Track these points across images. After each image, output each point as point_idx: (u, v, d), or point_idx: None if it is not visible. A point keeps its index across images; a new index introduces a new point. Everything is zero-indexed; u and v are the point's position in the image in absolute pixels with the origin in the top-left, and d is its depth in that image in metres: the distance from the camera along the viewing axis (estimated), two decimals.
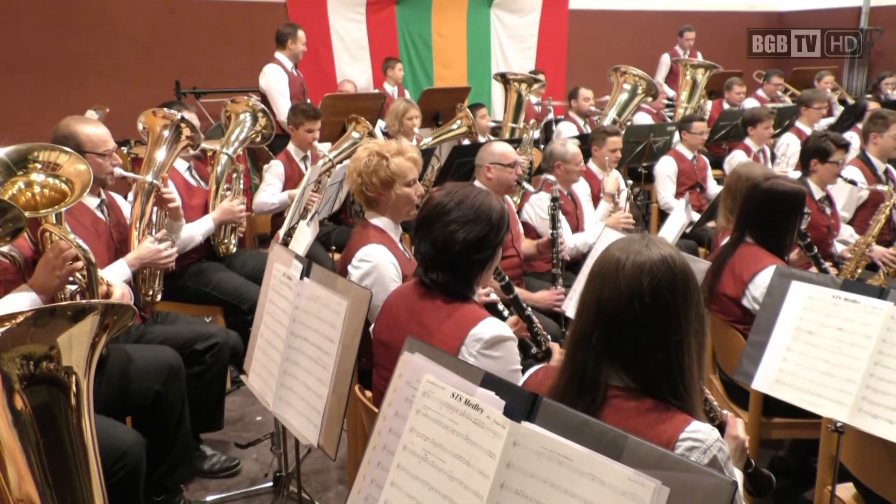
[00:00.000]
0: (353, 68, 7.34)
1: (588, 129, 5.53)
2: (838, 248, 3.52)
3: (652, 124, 5.64)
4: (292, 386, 1.79)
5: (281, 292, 1.91)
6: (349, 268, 2.24)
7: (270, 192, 3.80)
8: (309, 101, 4.96)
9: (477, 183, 2.99)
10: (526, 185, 3.19)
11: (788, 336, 1.94)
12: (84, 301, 1.98)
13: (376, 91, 6.60)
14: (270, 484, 2.52)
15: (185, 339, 2.51)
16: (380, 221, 2.32)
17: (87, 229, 2.38)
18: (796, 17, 9.75)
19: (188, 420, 2.38)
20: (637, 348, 1.22)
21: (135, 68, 6.39)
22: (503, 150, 2.98)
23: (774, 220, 2.42)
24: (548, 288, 2.96)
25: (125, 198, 2.70)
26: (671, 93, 7.29)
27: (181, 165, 3.14)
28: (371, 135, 4.12)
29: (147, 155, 2.68)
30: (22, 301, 1.92)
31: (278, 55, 5.21)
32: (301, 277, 1.83)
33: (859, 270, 3.33)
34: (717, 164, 5.33)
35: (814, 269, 2.83)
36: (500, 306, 2.29)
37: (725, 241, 2.60)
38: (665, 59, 7.89)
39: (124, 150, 4.68)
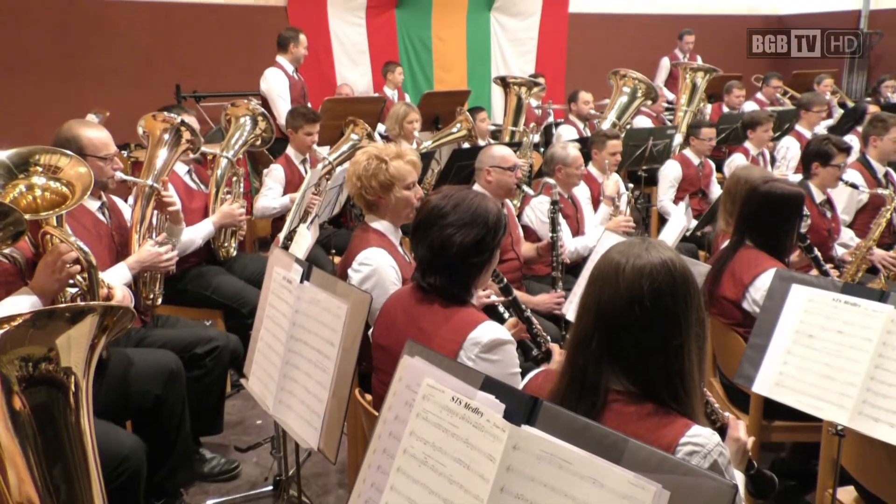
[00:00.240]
0: (353, 72, 7.34)
1: (588, 133, 5.53)
2: (839, 251, 3.52)
3: (651, 128, 5.63)
4: (292, 389, 1.79)
5: (281, 296, 1.91)
6: (349, 271, 2.24)
7: (271, 196, 3.80)
8: (309, 104, 4.97)
9: (477, 186, 2.99)
10: (526, 188, 3.18)
11: (789, 339, 1.94)
12: (83, 303, 1.98)
13: (376, 95, 6.61)
14: (270, 488, 2.51)
15: (185, 343, 2.51)
16: (380, 225, 2.33)
17: (88, 231, 2.38)
18: (796, 19, 9.77)
19: (188, 424, 2.38)
20: (637, 352, 1.22)
21: (135, 72, 6.40)
22: (503, 153, 2.98)
23: (773, 222, 2.42)
24: (548, 291, 2.95)
25: (125, 201, 2.71)
26: (671, 96, 7.29)
27: (181, 169, 3.14)
28: (370, 137, 4.12)
29: (147, 158, 2.69)
30: (22, 304, 1.92)
31: (279, 59, 5.22)
32: (301, 281, 1.83)
33: (860, 274, 3.32)
34: (716, 167, 5.33)
35: (814, 272, 2.83)
36: (501, 308, 2.29)
37: (725, 244, 2.60)
38: (665, 63, 7.89)
39: (124, 153, 4.68)
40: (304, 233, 2.65)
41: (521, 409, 1.03)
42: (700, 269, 2.33)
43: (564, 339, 2.65)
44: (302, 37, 5.20)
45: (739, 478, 1.44)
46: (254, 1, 7.02)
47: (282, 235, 2.99)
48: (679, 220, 3.23)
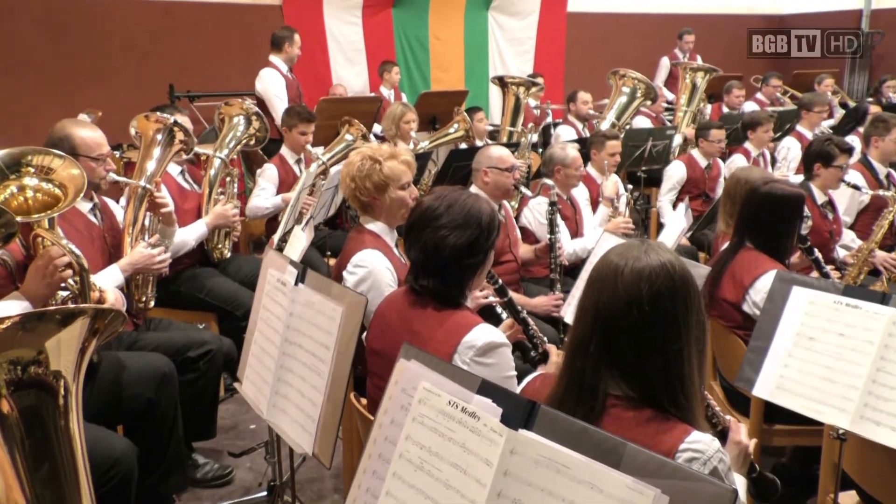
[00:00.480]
0: (350, 72, 7.32)
1: (587, 133, 5.51)
2: (840, 253, 3.50)
3: (651, 128, 5.61)
4: (287, 393, 1.78)
5: (275, 298, 1.89)
6: (344, 273, 2.23)
7: (264, 196, 3.78)
8: (304, 104, 4.95)
9: (474, 187, 2.99)
10: (524, 189, 3.17)
11: (789, 342, 1.93)
12: (73, 305, 1.97)
13: (373, 95, 6.59)
14: (264, 493, 2.48)
15: (178, 346, 2.49)
16: (375, 226, 2.32)
17: (80, 233, 2.37)
18: (797, 19, 9.77)
19: (181, 428, 2.37)
20: (636, 356, 1.21)
21: (128, 71, 6.36)
22: (500, 153, 2.97)
23: (774, 224, 2.41)
24: (546, 293, 2.94)
25: (117, 202, 2.69)
26: (670, 96, 7.27)
27: (174, 169, 3.13)
28: (364, 137, 4.10)
29: (140, 159, 2.67)
30: (12, 308, 1.90)
31: (274, 58, 5.18)
32: (296, 283, 1.81)
33: (862, 276, 3.31)
34: None
35: (815, 274, 2.81)
36: (499, 308, 2.28)
37: (725, 245, 2.59)
38: (664, 63, 7.88)
39: (117, 154, 4.66)
40: (298, 234, 2.64)
41: (518, 412, 1.03)
42: (700, 270, 2.33)
43: (563, 341, 2.63)
44: (297, 36, 5.18)
45: (740, 483, 1.43)
46: None
47: (276, 237, 2.98)
48: (679, 222, 3.21)
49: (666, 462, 0.92)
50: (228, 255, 3.28)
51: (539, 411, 1.02)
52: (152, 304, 2.64)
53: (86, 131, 2.37)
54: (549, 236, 2.98)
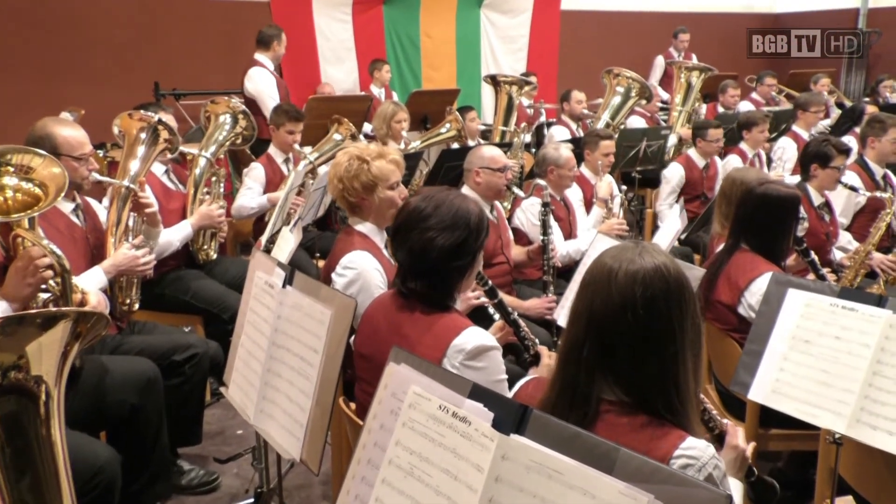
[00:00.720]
0: (339, 70, 7.24)
1: (580, 133, 5.49)
2: (837, 255, 3.49)
3: (646, 128, 5.60)
4: (274, 398, 1.76)
5: (263, 301, 1.87)
6: (333, 275, 2.22)
7: (250, 196, 3.75)
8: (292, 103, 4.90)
9: (465, 188, 2.97)
10: (516, 190, 3.14)
11: (785, 345, 1.92)
12: (55, 309, 1.95)
13: (363, 93, 6.54)
14: (251, 500, 2.45)
15: (163, 350, 2.47)
16: (364, 227, 2.31)
17: (61, 234, 2.34)
18: (793, 18, 9.80)
19: (166, 434, 2.35)
20: (630, 361, 1.20)
21: (112, 69, 6.27)
22: (493, 153, 2.96)
23: (769, 225, 2.40)
24: (539, 296, 2.93)
25: (100, 202, 2.66)
26: (665, 96, 7.27)
27: (158, 169, 3.09)
28: (353, 137, 4.06)
29: (123, 159, 2.64)
30: None
31: (260, 57, 5.12)
32: (283, 285, 1.79)
33: (858, 278, 3.30)
34: None
35: (811, 276, 2.79)
36: (491, 309, 2.26)
37: (721, 247, 2.58)
38: (659, 62, 7.88)
39: (100, 153, 4.60)
40: (287, 236, 2.62)
41: (510, 417, 1.02)
42: (695, 273, 2.33)
43: (556, 345, 2.61)
44: (284, 35, 5.13)
45: (736, 488, 1.43)
46: None
47: (264, 238, 2.96)
48: (674, 223, 3.19)
49: (660, 467, 0.91)
50: (215, 256, 3.25)
51: (531, 416, 1.01)
52: (136, 306, 2.61)
53: (68, 130, 2.35)
54: (541, 238, 2.96)
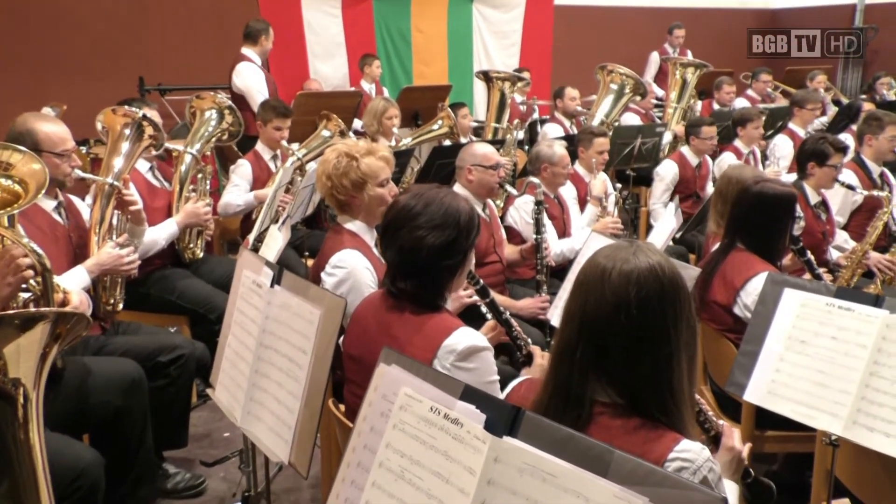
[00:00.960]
0: (329, 65, 7.18)
1: (574, 130, 5.46)
2: (833, 254, 3.48)
3: (640, 125, 5.59)
4: (262, 400, 1.73)
5: (250, 301, 1.85)
6: (322, 275, 2.21)
7: (236, 192, 3.71)
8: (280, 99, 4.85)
9: (457, 186, 2.95)
10: (509, 188, 3.11)
11: (781, 345, 1.91)
12: (34, 309, 1.92)
13: (353, 89, 6.49)
14: None
15: (147, 351, 2.44)
16: (353, 225, 2.29)
17: (43, 233, 2.31)
18: (790, 14, 9.79)
19: (150, 436, 2.33)
20: (624, 362, 1.19)
21: (95, 63, 6.15)
22: (485, 151, 2.95)
23: (765, 224, 2.39)
24: (532, 295, 2.91)
25: (83, 200, 2.63)
26: (660, 92, 7.25)
27: (142, 166, 3.06)
28: (342, 133, 4.02)
29: (107, 155, 2.61)
30: None
31: (247, 51, 5.05)
32: (272, 285, 1.77)
33: (855, 278, 3.28)
34: None
35: (807, 276, 2.78)
36: (484, 308, 2.23)
37: (716, 246, 2.57)
38: (654, 58, 7.87)
39: (83, 149, 4.55)
40: (275, 234, 2.61)
41: (502, 419, 1.02)
42: (690, 272, 2.33)
43: (549, 345, 2.59)
44: (272, 30, 5.08)
45: (732, 491, 1.42)
46: None
47: (252, 237, 2.94)
48: (668, 222, 3.17)
49: (654, 470, 0.91)
50: (201, 255, 3.22)
51: (524, 418, 1.01)
52: (121, 306, 2.58)
53: (49, 126, 2.33)
54: (535, 236, 2.94)
